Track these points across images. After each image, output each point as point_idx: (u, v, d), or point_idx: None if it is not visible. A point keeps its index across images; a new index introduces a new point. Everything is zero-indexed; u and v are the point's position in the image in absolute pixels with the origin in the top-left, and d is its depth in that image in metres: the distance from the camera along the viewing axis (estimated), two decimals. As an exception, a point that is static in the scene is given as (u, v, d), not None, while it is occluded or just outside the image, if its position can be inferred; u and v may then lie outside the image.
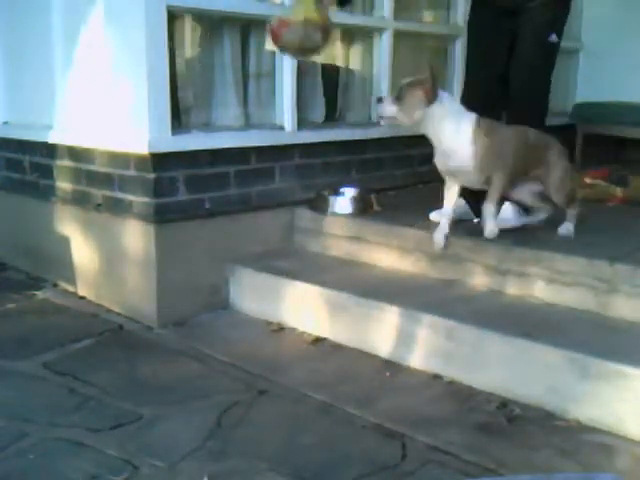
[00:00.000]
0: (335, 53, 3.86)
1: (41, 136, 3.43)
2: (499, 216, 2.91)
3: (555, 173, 2.87)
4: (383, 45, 3.83)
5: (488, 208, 2.77)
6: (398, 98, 2.71)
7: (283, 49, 2.83)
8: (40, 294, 3.40)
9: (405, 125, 2.81)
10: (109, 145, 3.06)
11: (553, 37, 3.03)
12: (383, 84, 3.87)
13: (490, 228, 2.78)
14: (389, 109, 2.72)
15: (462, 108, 2.79)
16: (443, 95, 2.73)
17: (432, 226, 2.97)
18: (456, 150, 2.73)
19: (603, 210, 3.57)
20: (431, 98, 2.67)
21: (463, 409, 2.31)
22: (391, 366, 2.61)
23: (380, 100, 2.79)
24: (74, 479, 1.93)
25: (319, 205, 3.40)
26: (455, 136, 2.72)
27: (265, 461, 2.01)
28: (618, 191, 3.90)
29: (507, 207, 3.05)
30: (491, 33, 3.09)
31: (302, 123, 3.48)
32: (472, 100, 3.04)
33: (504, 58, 3.07)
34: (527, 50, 3.05)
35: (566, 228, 2.94)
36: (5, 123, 3.74)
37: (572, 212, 2.96)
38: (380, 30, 3.82)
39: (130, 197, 3.01)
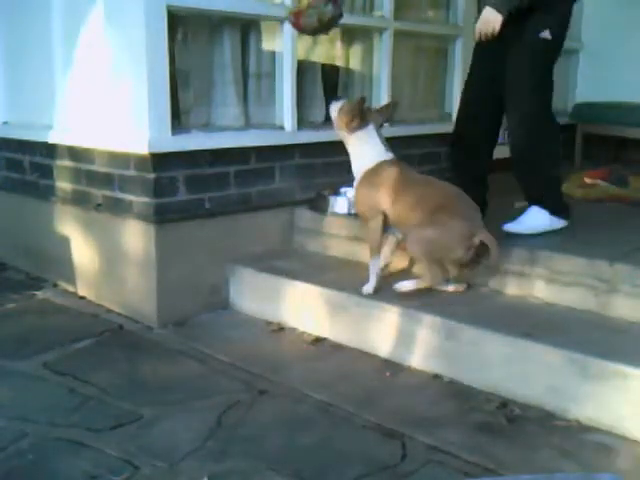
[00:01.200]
0: (335, 53, 3.86)
1: (41, 136, 3.43)
2: (519, 217, 2.93)
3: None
4: (383, 45, 3.83)
5: (370, 263, 2.81)
6: (340, 109, 2.86)
7: (312, 33, 2.97)
8: (40, 294, 3.40)
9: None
10: (109, 145, 3.06)
11: (545, 34, 2.85)
12: (383, 84, 3.87)
13: (368, 286, 2.78)
14: (332, 113, 2.90)
15: (377, 148, 2.83)
16: (367, 129, 2.83)
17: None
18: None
19: (603, 210, 3.57)
20: (353, 128, 2.81)
21: (463, 409, 2.31)
22: (391, 366, 2.61)
23: (336, 100, 2.93)
24: (74, 479, 1.93)
25: (319, 205, 3.40)
26: (355, 169, 2.86)
27: (265, 461, 2.01)
28: (618, 191, 3.90)
29: (531, 211, 2.98)
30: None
31: (302, 123, 3.48)
32: (467, 103, 3.09)
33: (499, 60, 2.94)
34: (514, 47, 2.89)
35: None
36: (5, 123, 3.74)
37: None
38: (380, 30, 3.82)
39: (130, 197, 3.01)
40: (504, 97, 2.94)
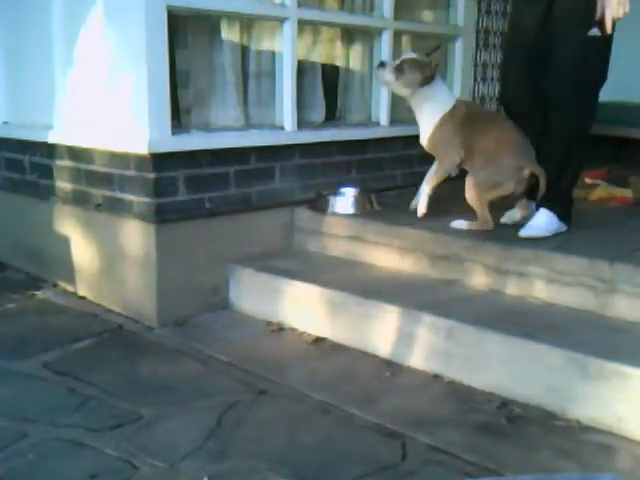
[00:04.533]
0: (335, 53, 3.86)
1: (41, 136, 3.42)
2: (530, 222, 2.92)
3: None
4: (383, 45, 3.83)
5: (423, 187, 3.16)
6: (397, 69, 3.02)
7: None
8: (40, 294, 3.40)
9: (396, 93, 3.18)
10: (109, 145, 3.06)
11: (594, 30, 2.69)
12: (383, 84, 3.87)
13: (420, 209, 3.14)
14: (388, 76, 3.06)
15: (448, 94, 3.12)
16: (437, 80, 3.04)
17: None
18: (422, 130, 3.12)
19: (603, 210, 3.57)
20: (426, 81, 3.02)
21: (463, 409, 2.31)
22: (391, 366, 2.61)
23: (382, 65, 3.09)
24: (74, 479, 1.93)
25: (319, 205, 3.40)
26: (427, 117, 3.08)
27: (265, 461, 2.01)
28: (618, 191, 3.90)
29: (542, 213, 2.94)
30: (523, 19, 2.95)
31: (302, 123, 3.48)
32: (506, 92, 3.11)
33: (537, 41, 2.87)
34: (559, 47, 2.78)
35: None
36: (5, 123, 3.74)
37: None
38: (380, 30, 3.82)
39: (130, 197, 3.01)
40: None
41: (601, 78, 2.88)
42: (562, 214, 2.94)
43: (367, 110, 3.95)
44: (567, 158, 2.91)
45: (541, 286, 2.70)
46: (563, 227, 2.96)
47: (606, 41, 2.79)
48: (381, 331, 2.68)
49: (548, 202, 2.91)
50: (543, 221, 2.92)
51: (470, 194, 2.95)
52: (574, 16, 2.76)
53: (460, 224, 3.00)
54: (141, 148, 2.86)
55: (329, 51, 3.83)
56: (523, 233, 2.88)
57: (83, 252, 3.32)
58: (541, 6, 2.85)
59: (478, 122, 3.06)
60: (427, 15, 4.35)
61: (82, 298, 3.33)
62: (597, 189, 3.94)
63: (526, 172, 2.88)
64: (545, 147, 2.93)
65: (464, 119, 3.04)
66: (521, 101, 2.99)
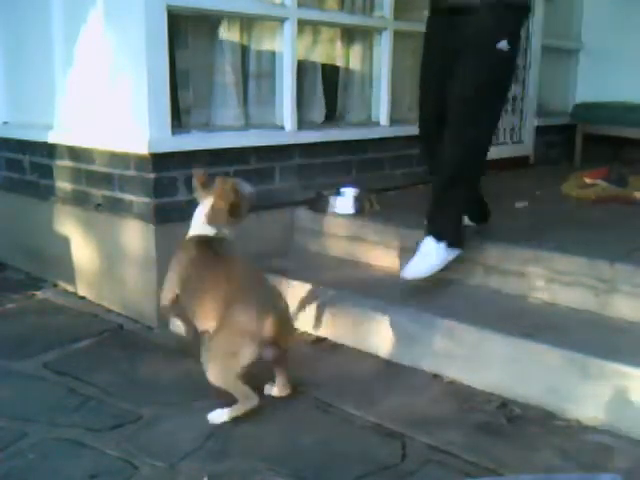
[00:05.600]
0: (335, 53, 3.87)
1: (41, 136, 3.42)
2: (414, 258, 2.70)
3: None
4: (383, 45, 3.84)
5: None
6: None
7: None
8: (40, 294, 3.40)
9: None
10: (109, 145, 3.06)
11: (502, 44, 2.58)
12: (383, 84, 3.87)
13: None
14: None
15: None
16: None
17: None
18: None
19: (603, 210, 3.57)
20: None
21: (463, 409, 2.31)
22: (391, 366, 2.61)
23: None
24: (74, 479, 1.93)
25: (319, 205, 3.40)
26: None
27: (265, 461, 2.01)
28: (618, 191, 3.90)
29: (427, 244, 2.71)
30: (437, 43, 2.79)
31: (302, 123, 3.48)
32: (423, 119, 2.86)
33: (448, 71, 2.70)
34: (465, 59, 2.63)
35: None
36: (5, 123, 3.74)
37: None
38: (380, 30, 3.83)
39: (130, 197, 3.01)
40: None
41: (501, 95, 2.78)
42: (451, 241, 2.72)
43: (367, 110, 3.95)
44: (457, 173, 2.66)
45: (541, 286, 2.70)
46: (455, 252, 2.75)
47: (513, 58, 2.72)
48: (381, 331, 2.68)
49: (434, 232, 2.72)
50: (427, 257, 2.70)
51: (211, 374, 2.20)
52: (481, 31, 2.63)
53: (219, 416, 2.20)
54: (141, 148, 2.86)
55: (329, 51, 3.83)
56: (406, 273, 2.71)
57: (83, 252, 3.32)
58: (448, 26, 2.71)
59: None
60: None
61: (82, 298, 3.33)
62: (597, 189, 3.94)
63: (267, 330, 2.13)
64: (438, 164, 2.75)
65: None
66: (433, 125, 2.79)
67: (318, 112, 3.75)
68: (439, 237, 2.71)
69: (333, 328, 2.82)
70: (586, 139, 5.10)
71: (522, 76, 4.81)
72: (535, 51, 4.84)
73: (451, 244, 2.72)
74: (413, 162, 3.97)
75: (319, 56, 3.77)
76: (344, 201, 3.38)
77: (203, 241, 2.43)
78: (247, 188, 2.53)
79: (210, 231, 2.44)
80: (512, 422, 2.22)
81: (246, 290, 2.25)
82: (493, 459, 2.02)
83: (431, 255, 2.70)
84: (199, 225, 2.46)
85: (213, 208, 2.44)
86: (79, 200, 3.31)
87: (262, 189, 3.30)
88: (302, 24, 3.43)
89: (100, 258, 3.23)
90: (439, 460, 2.03)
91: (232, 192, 2.43)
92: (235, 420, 2.21)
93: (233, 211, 2.45)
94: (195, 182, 2.51)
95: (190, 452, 2.05)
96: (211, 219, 2.44)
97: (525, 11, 2.80)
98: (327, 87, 3.79)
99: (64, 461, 2.01)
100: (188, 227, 2.99)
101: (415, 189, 3.90)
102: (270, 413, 2.29)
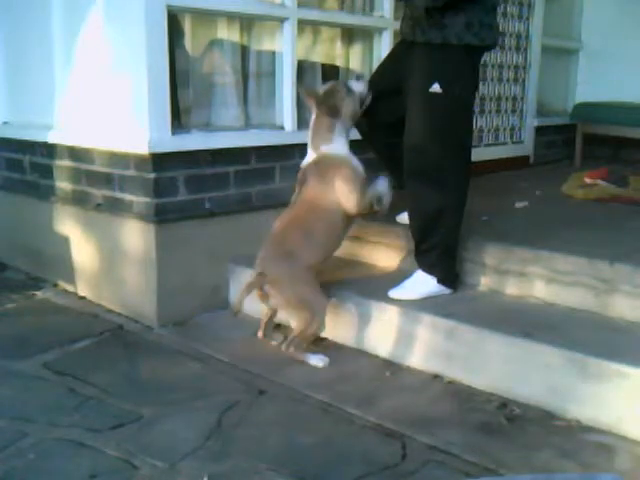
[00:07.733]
0: (335, 53, 3.86)
1: (41, 136, 3.43)
2: (404, 282, 2.73)
3: None
4: (383, 45, 3.83)
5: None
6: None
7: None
8: (40, 294, 3.40)
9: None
10: (109, 145, 3.06)
11: (435, 87, 2.52)
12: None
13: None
14: (362, 88, 2.77)
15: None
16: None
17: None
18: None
19: (603, 210, 3.57)
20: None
21: (463, 409, 2.31)
22: (391, 366, 2.61)
23: (359, 78, 2.86)
24: (74, 479, 1.93)
25: (319, 205, 3.39)
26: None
27: (265, 461, 2.01)
28: (618, 191, 3.90)
29: (417, 276, 2.73)
30: (395, 60, 2.81)
31: (302, 123, 3.48)
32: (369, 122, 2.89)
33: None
34: (410, 101, 2.62)
35: None
36: (5, 123, 3.74)
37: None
38: (380, 30, 3.82)
39: (130, 197, 3.01)
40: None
41: (454, 145, 2.62)
42: (443, 278, 2.72)
43: (367, 110, 3.95)
44: (436, 214, 2.66)
45: (541, 286, 2.70)
46: (445, 290, 2.73)
47: (454, 101, 2.56)
48: (381, 331, 2.68)
49: (424, 265, 2.72)
50: (416, 284, 2.72)
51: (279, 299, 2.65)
52: (418, 71, 2.60)
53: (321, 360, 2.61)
54: (141, 148, 2.86)
55: (329, 51, 3.83)
56: (393, 294, 2.71)
57: (83, 252, 3.32)
58: (407, 51, 2.68)
59: None
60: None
61: (82, 298, 3.33)
62: (597, 189, 3.94)
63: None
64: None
65: None
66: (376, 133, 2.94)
67: (318, 112, 3.74)
68: (429, 272, 2.72)
69: (333, 328, 2.82)
70: (586, 139, 5.09)
71: (522, 76, 4.81)
72: (535, 51, 4.84)
73: (442, 281, 2.73)
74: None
75: (319, 56, 3.77)
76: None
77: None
78: (355, 86, 2.74)
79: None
80: (512, 422, 2.22)
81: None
82: (493, 459, 2.02)
83: (421, 285, 2.73)
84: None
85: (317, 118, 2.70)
86: (79, 200, 3.31)
87: (262, 189, 3.30)
88: (302, 24, 3.43)
89: (100, 258, 3.23)
90: (439, 460, 2.03)
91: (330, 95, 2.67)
92: (235, 420, 2.21)
93: (333, 113, 2.67)
94: (306, 98, 2.78)
95: (190, 452, 2.05)
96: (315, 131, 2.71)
97: (482, 50, 2.63)
98: (327, 87, 3.79)
99: (64, 461, 2.01)
100: (188, 227, 3.02)
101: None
102: (270, 413, 2.29)
